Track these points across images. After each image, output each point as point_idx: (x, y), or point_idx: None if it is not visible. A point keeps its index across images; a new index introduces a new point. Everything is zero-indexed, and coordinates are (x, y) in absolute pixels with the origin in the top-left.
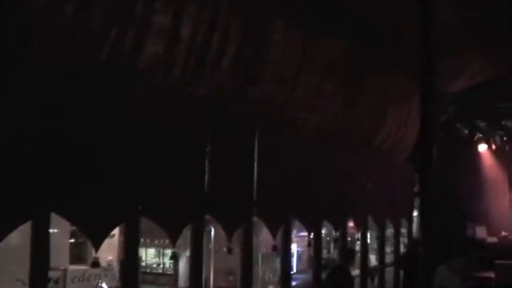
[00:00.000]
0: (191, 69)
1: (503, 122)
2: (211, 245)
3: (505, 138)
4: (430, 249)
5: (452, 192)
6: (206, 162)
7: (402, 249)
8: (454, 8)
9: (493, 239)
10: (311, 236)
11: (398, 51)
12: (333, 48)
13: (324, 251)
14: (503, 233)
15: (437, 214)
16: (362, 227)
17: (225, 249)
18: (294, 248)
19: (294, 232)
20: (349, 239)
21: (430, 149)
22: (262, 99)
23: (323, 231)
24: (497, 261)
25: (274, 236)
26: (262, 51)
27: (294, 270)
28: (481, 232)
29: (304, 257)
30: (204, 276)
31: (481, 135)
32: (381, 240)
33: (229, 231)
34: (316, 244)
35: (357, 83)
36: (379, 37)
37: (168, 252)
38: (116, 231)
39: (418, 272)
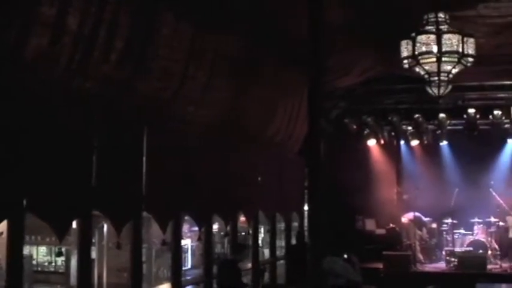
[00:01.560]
0: (78, 62)
1: (389, 118)
2: (104, 242)
3: (392, 133)
4: (319, 242)
5: (343, 185)
6: (93, 157)
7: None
8: (344, 7)
9: (381, 231)
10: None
11: (289, 47)
12: (222, 43)
13: (219, 246)
14: (391, 225)
15: (326, 207)
16: (252, 221)
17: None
18: (189, 243)
19: (188, 227)
20: (243, 233)
21: (318, 144)
22: (150, 94)
23: (216, 226)
24: (385, 252)
25: (163, 230)
26: (150, 45)
27: (189, 265)
28: (370, 224)
29: (199, 252)
30: (97, 274)
31: (370, 130)
32: (272, 234)
33: (117, 226)
34: (206, 239)
35: (246, 78)
36: (270, 33)
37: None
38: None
39: (307, 263)
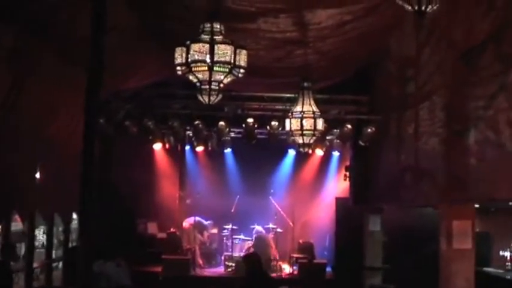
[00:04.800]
0: None
1: (170, 123)
2: None
3: (176, 138)
4: (89, 244)
5: (126, 189)
6: None
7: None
8: (130, 9)
9: (162, 235)
10: None
11: (73, 45)
12: (2, 36)
13: None
14: (172, 229)
15: (108, 210)
16: (27, 221)
17: None
18: None
19: None
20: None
21: (92, 144)
22: None
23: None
24: (164, 256)
25: None
26: None
27: None
28: (152, 228)
29: None
30: None
31: (155, 134)
32: (48, 235)
33: None
34: None
35: (25, 73)
36: (53, 28)
37: None
38: None
39: (77, 266)
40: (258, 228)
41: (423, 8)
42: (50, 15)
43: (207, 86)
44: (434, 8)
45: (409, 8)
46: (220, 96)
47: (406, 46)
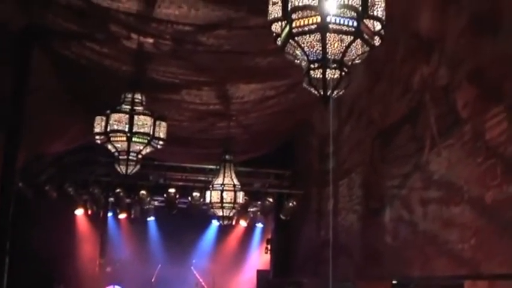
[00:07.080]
0: None
1: (90, 189)
2: None
3: (98, 204)
4: None
5: (45, 254)
6: None
7: None
8: (54, 72)
9: None
10: None
11: None
12: None
13: None
14: None
15: (23, 275)
16: None
17: None
18: None
19: None
20: None
21: (8, 208)
22: None
23: None
24: None
25: None
26: None
27: None
28: None
29: None
30: None
31: (76, 200)
32: None
33: None
34: None
35: None
36: None
37: None
38: None
39: None
40: None
41: (328, 93)
42: None
43: (125, 156)
44: (340, 93)
45: (315, 92)
46: (138, 166)
47: (328, 123)
